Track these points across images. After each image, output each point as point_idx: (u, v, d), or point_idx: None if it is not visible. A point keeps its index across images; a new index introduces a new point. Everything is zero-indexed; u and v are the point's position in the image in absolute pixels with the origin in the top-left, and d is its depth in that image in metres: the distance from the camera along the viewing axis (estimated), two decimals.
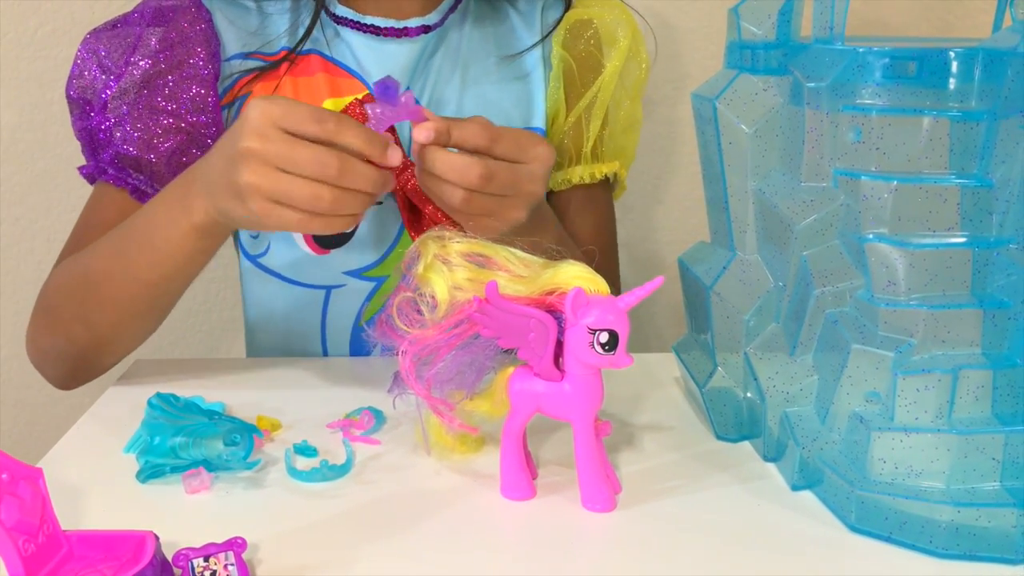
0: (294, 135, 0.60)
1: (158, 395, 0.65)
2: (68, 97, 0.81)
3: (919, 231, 0.56)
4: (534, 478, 0.61)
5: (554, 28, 0.87)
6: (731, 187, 0.64)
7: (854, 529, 0.56)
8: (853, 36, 0.62)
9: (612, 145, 0.89)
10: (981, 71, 0.55)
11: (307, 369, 0.81)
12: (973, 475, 0.55)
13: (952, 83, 0.56)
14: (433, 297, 0.56)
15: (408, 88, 0.60)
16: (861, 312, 0.58)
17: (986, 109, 0.55)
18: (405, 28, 0.82)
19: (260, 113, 0.60)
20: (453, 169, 0.63)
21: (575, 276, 0.56)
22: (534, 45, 0.86)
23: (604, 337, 0.54)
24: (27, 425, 1.33)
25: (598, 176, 0.89)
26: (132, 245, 0.71)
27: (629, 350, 0.56)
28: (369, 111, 0.58)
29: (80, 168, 0.83)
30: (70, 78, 0.81)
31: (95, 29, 0.82)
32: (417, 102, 0.65)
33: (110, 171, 0.81)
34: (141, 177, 0.80)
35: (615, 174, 0.90)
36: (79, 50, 0.81)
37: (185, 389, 0.70)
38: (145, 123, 0.79)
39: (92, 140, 0.81)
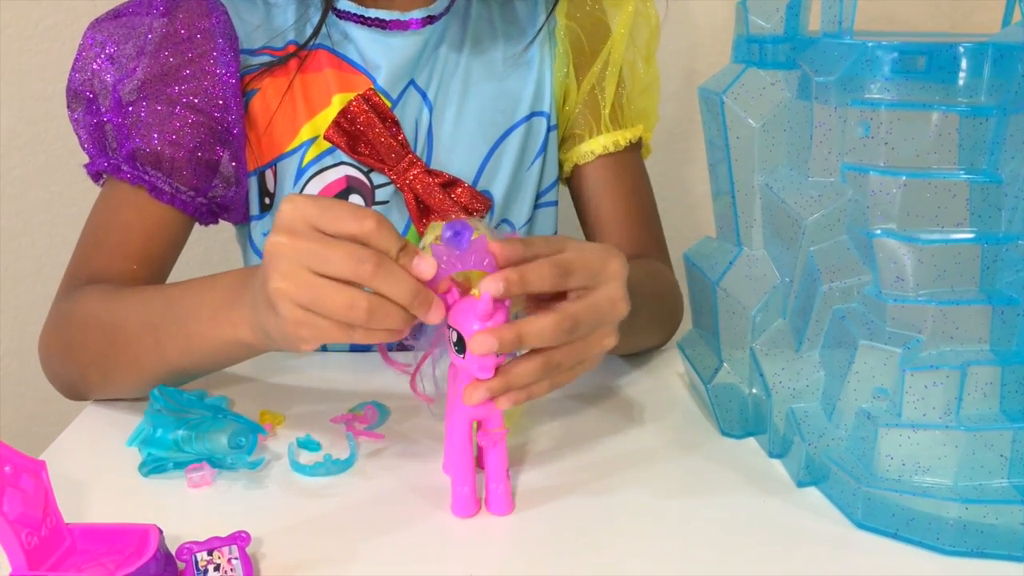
0: (329, 235, 0.53)
1: (161, 388, 0.65)
2: (71, 90, 0.77)
3: (928, 227, 0.55)
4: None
5: (556, 2, 0.85)
6: (738, 182, 0.64)
7: (860, 526, 0.56)
8: (861, 31, 0.61)
9: (632, 108, 0.87)
10: (991, 66, 0.55)
11: (310, 363, 0.80)
12: (981, 472, 0.54)
13: (961, 78, 0.55)
14: None
15: (474, 229, 0.53)
16: (869, 308, 0.58)
17: (995, 104, 0.54)
18: (410, 20, 0.80)
19: (292, 208, 0.54)
20: (540, 336, 0.54)
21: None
22: (540, 28, 0.84)
23: (454, 336, 0.53)
24: (29, 419, 1.33)
25: (622, 143, 0.86)
26: (167, 329, 0.66)
27: None
28: (435, 255, 0.53)
29: (86, 165, 0.79)
30: (73, 71, 0.77)
31: (97, 20, 0.79)
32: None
33: (125, 168, 0.76)
34: (159, 175, 0.77)
35: (639, 138, 0.88)
36: (83, 41, 0.77)
37: (188, 383, 0.70)
38: (167, 119, 0.76)
39: (102, 136, 0.77)
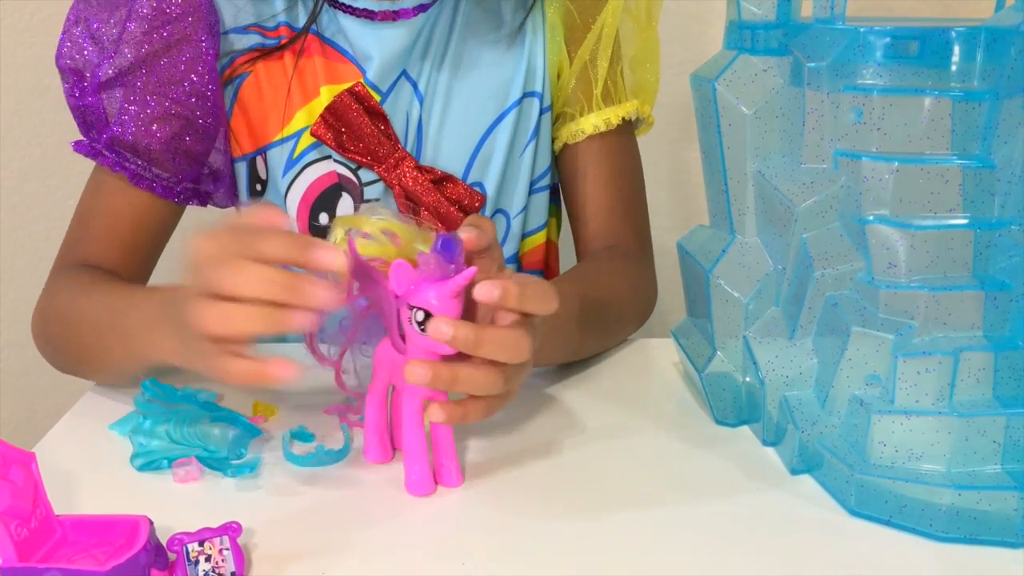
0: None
1: (153, 380, 0.65)
2: (57, 64, 0.76)
3: (920, 212, 0.55)
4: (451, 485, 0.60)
5: None
6: (730, 169, 0.64)
7: (854, 513, 0.56)
8: (853, 17, 0.61)
9: (627, 82, 0.85)
10: (983, 51, 0.54)
11: (302, 353, 0.80)
12: (974, 458, 0.54)
13: (954, 63, 0.55)
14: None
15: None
16: (861, 294, 0.58)
17: (988, 89, 0.54)
18: (400, 10, 0.79)
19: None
20: (473, 385, 0.55)
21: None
22: (531, 6, 0.82)
23: (420, 316, 0.54)
24: (28, 412, 1.33)
25: (614, 121, 0.84)
26: (110, 339, 0.67)
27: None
28: (421, 262, 0.54)
29: (75, 143, 0.79)
30: (60, 48, 0.76)
31: None
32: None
33: (107, 154, 0.76)
34: (139, 161, 0.76)
35: (635, 114, 0.86)
36: (68, 17, 0.76)
37: (178, 377, 0.69)
38: (142, 106, 0.75)
39: (85, 119, 0.77)
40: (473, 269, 0.53)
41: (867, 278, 0.57)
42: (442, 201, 0.79)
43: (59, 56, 0.76)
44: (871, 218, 0.56)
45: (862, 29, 0.56)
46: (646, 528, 0.55)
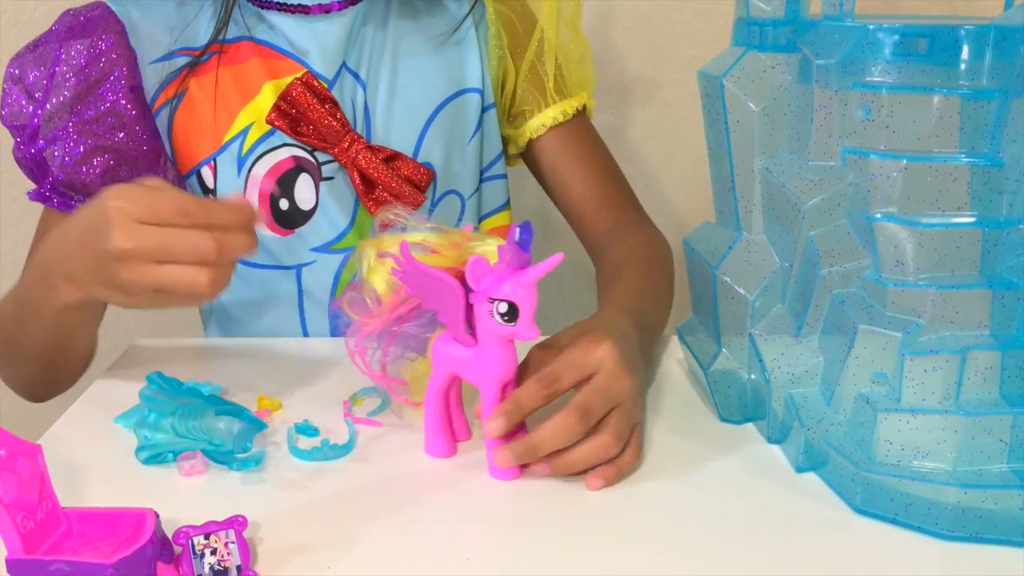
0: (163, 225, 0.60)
1: (158, 374, 0.64)
2: (5, 125, 0.80)
3: (928, 210, 0.55)
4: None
5: None
6: (737, 166, 0.64)
7: (859, 511, 0.56)
8: (862, 14, 0.61)
9: (572, 79, 0.91)
10: (992, 49, 0.54)
11: (306, 349, 0.80)
12: (980, 457, 0.54)
13: (963, 61, 0.55)
14: (376, 294, 0.61)
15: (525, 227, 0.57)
16: (869, 292, 0.58)
17: (997, 87, 0.54)
18: (332, 3, 0.82)
19: (119, 212, 0.60)
20: (553, 439, 0.58)
21: (494, 251, 0.57)
22: (468, 14, 0.86)
23: (503, 307, 0.55)
24: (28, 407, 1.33)
25: (570, 112, 0.90)
26: (25, 317, 0.72)
27: None
28: (500, 254, 0.55)
29: (29, 193, 0.82)
30: (2, 107, 0.80)
31: (17, 53, 0.80)
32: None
33: (54, 199, 0.80)
34: (83, 198, 0.80)
35: (584, 105, 0.92)
36: (4, 75, 0.80)
37: (183, 370, 0.69)
38: (75, 145, 0.78)
39: (31, 169, 0.80)
40: (559, 255, 0.55)
41: (874, 276, 0.57)
42: (394, 178, 0.82)
43: (3, 116, 0.80)
44: (879, 216, 0.56)
45: (871, 26, 0.56)
46: (650, 524, 0.55)
